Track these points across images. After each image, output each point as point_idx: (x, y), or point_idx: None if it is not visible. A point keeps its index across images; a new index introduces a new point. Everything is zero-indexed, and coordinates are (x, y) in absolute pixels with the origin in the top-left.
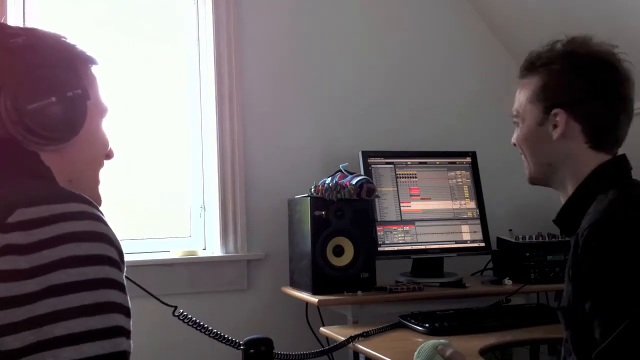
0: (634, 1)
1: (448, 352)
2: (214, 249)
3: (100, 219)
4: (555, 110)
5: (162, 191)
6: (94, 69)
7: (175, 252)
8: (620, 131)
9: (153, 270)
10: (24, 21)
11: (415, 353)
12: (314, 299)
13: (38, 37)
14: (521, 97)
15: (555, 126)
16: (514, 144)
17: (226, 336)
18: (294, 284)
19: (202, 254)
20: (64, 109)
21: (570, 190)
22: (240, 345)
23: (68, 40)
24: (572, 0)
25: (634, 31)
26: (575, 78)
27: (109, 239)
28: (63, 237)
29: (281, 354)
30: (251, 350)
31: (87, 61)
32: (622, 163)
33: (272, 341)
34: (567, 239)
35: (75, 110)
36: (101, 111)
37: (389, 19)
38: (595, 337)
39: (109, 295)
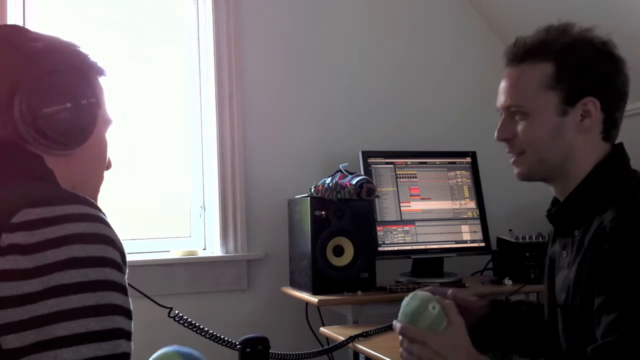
0: (634, 2)
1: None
2: (214, 249)
3: (103, 221)
4: (586, 99)
5: (162, 191)
6: (102, 80)
7: (175, 252)
8: (620, 124)
9: (153, 270)
10: (24, 21)
11: (405, 301)
12: (314, 299)
13: (56, 43)
14: (525, 84)
15: (583, 117)
16: (506, 139)
17: (222, 337)
18: (294, 284)
19: (202, 254)
20: (77, 115)
21: (573, 183)
22: (236, 345)
23: (82, 49)
24: (572, 0)
25: (634, 30)
26: (606, 67)
27: (112, 242)
28: (67, 238)
29: (278, 353)
30: (247, 350)
31: (98, 72)
32: (623, 151)
33: (268, 340)
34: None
35: (88, 117)
36: (107, 122)
37: (389, 19)
38: (597, 331)
39: (110, 297)
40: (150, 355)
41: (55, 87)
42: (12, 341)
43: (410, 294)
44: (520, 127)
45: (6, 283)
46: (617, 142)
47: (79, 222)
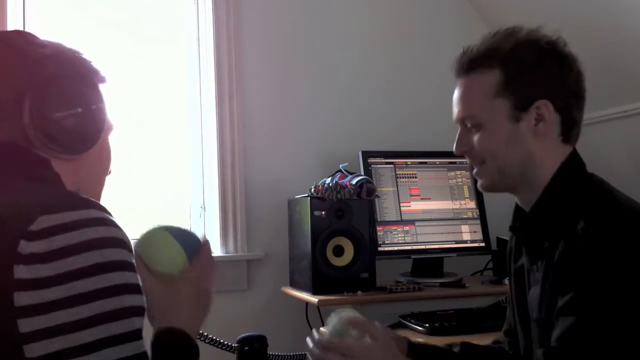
0: (633, 1)
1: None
2: (214, 249)
3: (116, 225)
4: (538, 102)
5: (162, 191)
6: (102, 87)
7: None
8: (582, 122)
9: None
10: (24, 22)
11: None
12: (314, 299)
13: (62, 49)
14: (475, 95)
15: (538, 120)
16: (464, 152)
17: (220, 340)
18: (294, 284)
19: None
20: (87, 120)
21: (537, 190)
22: (234, 347)
23: (85, 56)
24: (572, 0)
25: (633, 29)
26: (555, 67)
27: (126, 244)
28: (85, 244)
29: (276, 355)
30: (245, 348)
31: (100, 79)
32: (578, 156)
33: (266, 338)
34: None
35: (96, 123)
36: (110, 127)
37: (389, 19)
38: (554, 332)
39: (130, 300)
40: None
41: (65, 92)
42: (38, 349)
43: (333, 314)
44: (475, 138)
45: (29, 292)
46: (612, 142)
47: (96, 226)
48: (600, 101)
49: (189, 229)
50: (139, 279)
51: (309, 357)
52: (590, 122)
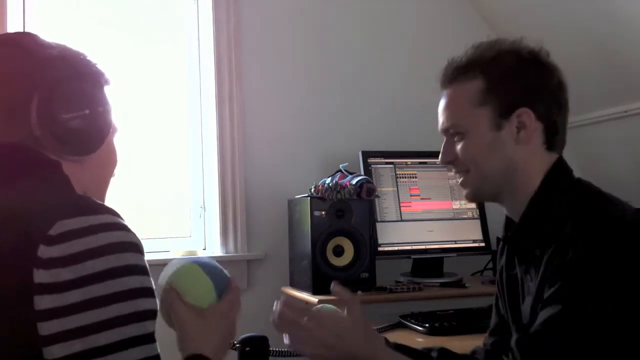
0: (632, 3)
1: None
2: (214, 249)
3: (130, 230)
4: (519, 110)
5: (162, 191)
6: (107, 89)
7: (175, 252)
8: (565, 130)
9: (153, 270)
10: (24, 22)
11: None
12: (314, 299)
13: (68, 51)
14: (458, 104)
15: (519, 128)
16: (449, 161)
17: None
18: (294, 284)
19: (202, 254)
20: (94, 122)
21: (523, 199)
22: (235, 345)
23: (90, 58)
24: (571, 1)
25: (631, 29)
26: (536, 75)
27: (140, 248)
28: (103, 248)
29: (277, 350)
30: (247, 349)
31: (105, 81)
32: (564, 162)
33: (267, 339)
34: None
35: (103, 124)
36: (114, 129)
37: (389, 19)
38: (536, 321)
39: (145, 303)
40: None
41: (73, 93)
42: (57, 351)
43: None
44: (459, 146)
45: (49, 295)
46: (612, 142)
47: (112, 231)
48: (600, 101)
49: (217, 264)
50: (176, 310)
51: (274, 316)
52: (590, 122)
